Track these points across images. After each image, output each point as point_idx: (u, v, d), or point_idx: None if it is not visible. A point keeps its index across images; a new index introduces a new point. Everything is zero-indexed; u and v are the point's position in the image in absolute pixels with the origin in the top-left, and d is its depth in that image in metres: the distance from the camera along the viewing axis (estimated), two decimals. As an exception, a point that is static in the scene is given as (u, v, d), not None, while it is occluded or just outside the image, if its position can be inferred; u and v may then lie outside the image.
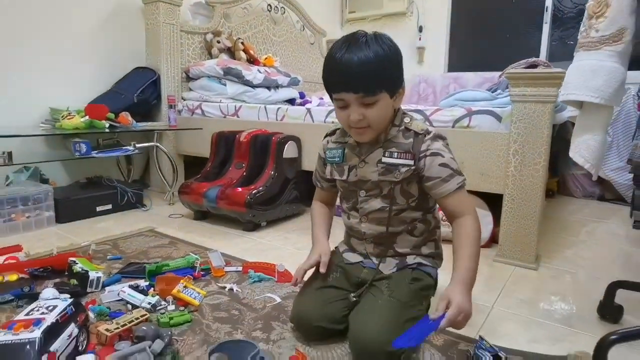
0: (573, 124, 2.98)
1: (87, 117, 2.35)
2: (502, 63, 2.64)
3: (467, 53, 4.27)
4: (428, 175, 1.08)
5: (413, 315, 1.05)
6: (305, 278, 1.20)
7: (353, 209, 1.20)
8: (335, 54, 1.02)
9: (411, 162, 1.08)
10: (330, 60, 1.04)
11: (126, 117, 2.51)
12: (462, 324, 0.95)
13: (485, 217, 1.96)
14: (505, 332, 1.25)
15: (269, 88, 3.13)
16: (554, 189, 3.15)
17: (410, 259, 1.18)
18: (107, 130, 2.40)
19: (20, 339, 0.94)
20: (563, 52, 3.66)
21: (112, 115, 2.45)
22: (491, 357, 1.05)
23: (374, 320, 1.03)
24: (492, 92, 2.10)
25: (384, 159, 1.09)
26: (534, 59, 2.46)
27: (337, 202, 1.33)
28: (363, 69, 0.99)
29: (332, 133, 1.24)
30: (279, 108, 2.59)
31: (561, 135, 2.97)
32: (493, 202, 1.96)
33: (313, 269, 1.20)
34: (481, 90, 2.22)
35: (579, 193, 3.13)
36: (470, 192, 1.93)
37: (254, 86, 3.02)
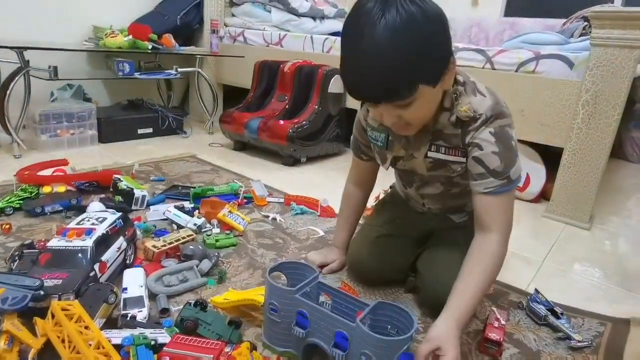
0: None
1: (130, 37, 2.29)
2: (568, 9, 2.38)
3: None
4: (468, 167, 0.88)
5: None
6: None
7: (408, 184, 1.06)
8: (345, 45, 0.75)
9: (463, 160, 0.88)
10: (342, 52, 0.76)
11: (169, 39, 2.43)
12: None
13: (538, 171, 1.85)
14: (557, 288, 1.19)
15: (314, 18, 2.96)
16: (608, 149, 2.95)
17: None
18: (149, 51, 2.34)
19: (74, 246, 0.95)
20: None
21: (154, 37, 2.38)
22: (547, 312, 1.01)
23: (452, 273, 0.88)
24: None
25: (430, 154, 0.90)
26: (609, 5, 2.21)
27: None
28: (383, 71, 0.71)
29: None
30: (326, 39, 2.45)
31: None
32: (545, 155, 1.84)
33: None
34: (552, 32, 2.02)
35: (636, 157, 2.93)
36: (525, 142, 1.85)
37: (299, 15, 2.86)
